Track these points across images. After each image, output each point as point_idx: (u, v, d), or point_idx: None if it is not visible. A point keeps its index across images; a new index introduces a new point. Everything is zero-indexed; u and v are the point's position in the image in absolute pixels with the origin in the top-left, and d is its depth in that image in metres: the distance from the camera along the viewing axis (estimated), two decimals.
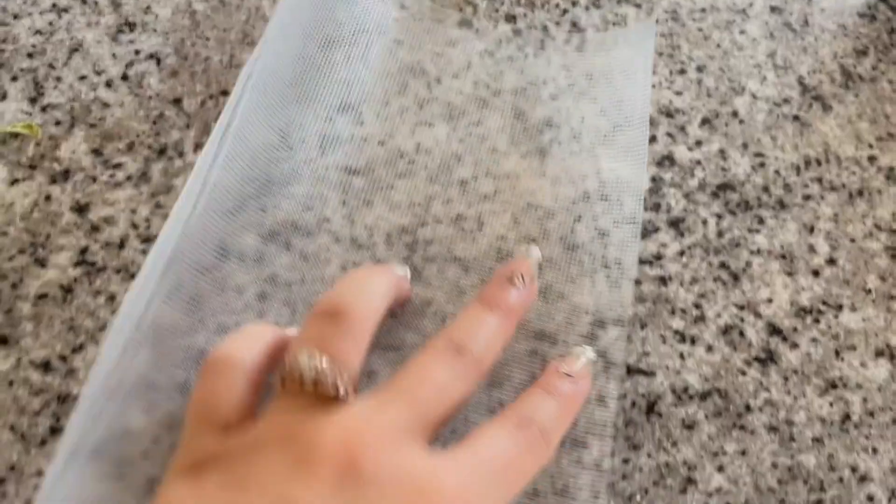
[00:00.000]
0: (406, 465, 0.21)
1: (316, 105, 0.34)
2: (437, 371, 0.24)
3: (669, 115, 0.35)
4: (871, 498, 0.29)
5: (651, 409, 0.30)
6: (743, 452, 0.29)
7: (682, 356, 0.31)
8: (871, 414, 0.30)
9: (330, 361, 0.22)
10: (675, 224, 0.33)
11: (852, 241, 0.34)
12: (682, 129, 0.35)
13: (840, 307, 0.32)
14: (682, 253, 0.33)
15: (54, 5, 0.35)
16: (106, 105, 0.33)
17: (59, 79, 0.34)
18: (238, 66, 0.34)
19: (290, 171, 0.32)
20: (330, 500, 0.19)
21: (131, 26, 0.35)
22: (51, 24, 0.35)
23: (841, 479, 0.29)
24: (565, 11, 0.37)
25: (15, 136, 0.32)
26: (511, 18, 0.37)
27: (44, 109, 0.33)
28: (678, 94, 0.36)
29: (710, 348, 0.31)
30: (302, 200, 0.32)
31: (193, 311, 0.29)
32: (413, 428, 0.22)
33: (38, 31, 0.34)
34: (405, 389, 0.23)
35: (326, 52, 0.35)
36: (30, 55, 0.34)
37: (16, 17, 0.34)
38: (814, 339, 0.31)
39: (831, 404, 0.30)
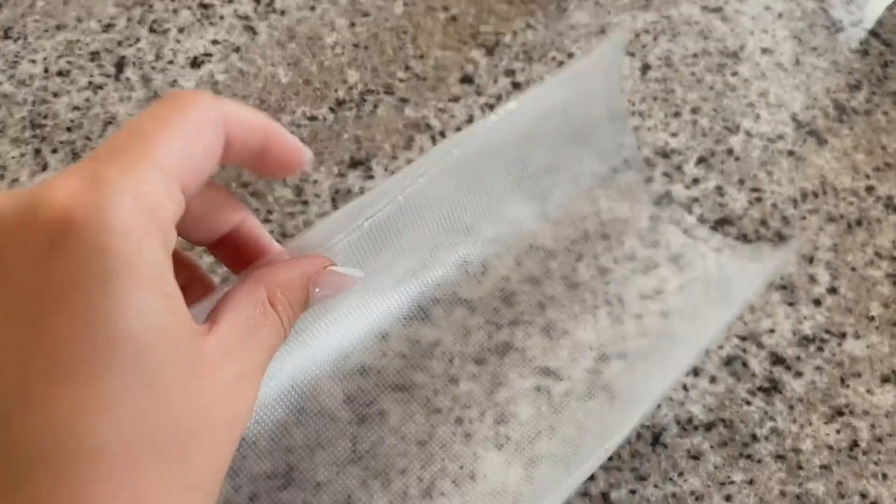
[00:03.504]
0: None
1: (328, 161, 0.36)
2: None
3: (665, 155, 0.37)
4: None
5: (656, 440, 0.30)
6: (750, 482, 0.29)
7: (685, 387, 0.31)
8: (880, 440, 0.30)
9: None
10: (675, 259, 0.34)
11: (853, 269, 0.34)
12: (679, 168, 0.36)
13: (843, 335, 0.32)
14: (682, 287, 0.33)
15: (90, 83, 0.38)
16: None
17: (94, 149, 0.37)
18: None
19: (305, 223, 0.34)
20: None
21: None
22: (87, 100, 0.38)
23: None
24: (561, 63, 0.39)
25: None
26: (510, 73, 0.39)
27: None
28: (674, 135, 0.37)
29: (713, 379, 0.31)
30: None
31: None
32: None
33: (76, 107, 0.38)
34: None
35: (336, 112, 0.37)
36: (68, 129, 0.37)
37: (56, 95, 0.38)
38: (818, 368, 0.32)
39: (838, 431, 0.30)
